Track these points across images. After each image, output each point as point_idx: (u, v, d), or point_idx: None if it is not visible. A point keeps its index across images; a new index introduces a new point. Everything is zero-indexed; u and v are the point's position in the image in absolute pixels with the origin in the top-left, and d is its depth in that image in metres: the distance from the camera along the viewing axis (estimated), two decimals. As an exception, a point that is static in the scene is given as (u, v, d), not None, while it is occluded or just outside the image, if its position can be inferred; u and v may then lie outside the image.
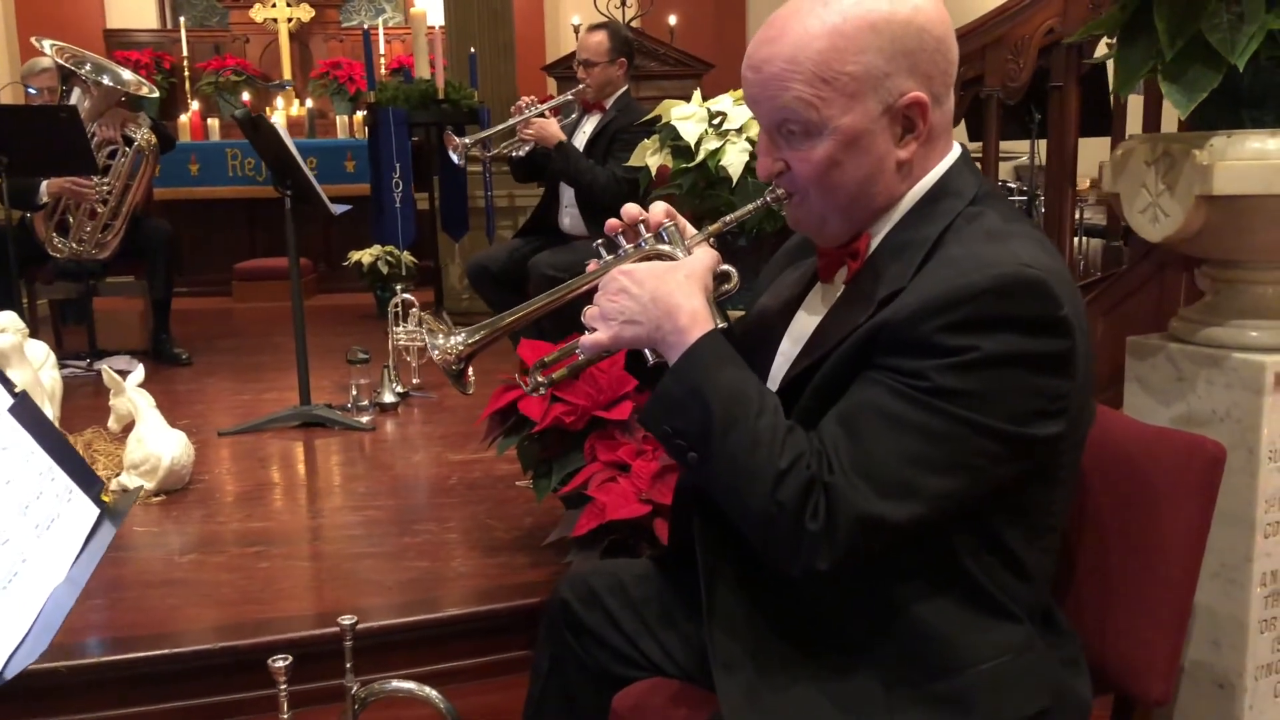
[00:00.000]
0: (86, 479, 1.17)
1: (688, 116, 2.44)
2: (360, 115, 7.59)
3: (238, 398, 4.17)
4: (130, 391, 2.93)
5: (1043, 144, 4.36)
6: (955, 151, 1.21)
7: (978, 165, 1.30)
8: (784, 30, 1.14)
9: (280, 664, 1.47)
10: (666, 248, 1.27)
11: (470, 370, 1.30)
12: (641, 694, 1.36)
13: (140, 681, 2.02)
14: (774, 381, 1.25)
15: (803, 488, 1.06)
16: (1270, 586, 1.67)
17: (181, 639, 2.08)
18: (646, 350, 1.21)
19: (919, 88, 1.14)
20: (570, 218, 4.09)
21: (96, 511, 1.16)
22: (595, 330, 1.21)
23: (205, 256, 7.13)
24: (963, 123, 3.42)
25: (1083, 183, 3.98)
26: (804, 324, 1.27)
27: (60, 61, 4.42)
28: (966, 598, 1.15)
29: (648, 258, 1.26)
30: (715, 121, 2.43)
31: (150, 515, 2.79)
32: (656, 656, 1.39)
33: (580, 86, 4.03)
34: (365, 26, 6.25)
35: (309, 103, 8.38)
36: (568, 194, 4.06)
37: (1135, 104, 2.37)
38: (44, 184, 4.43)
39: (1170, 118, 2.22)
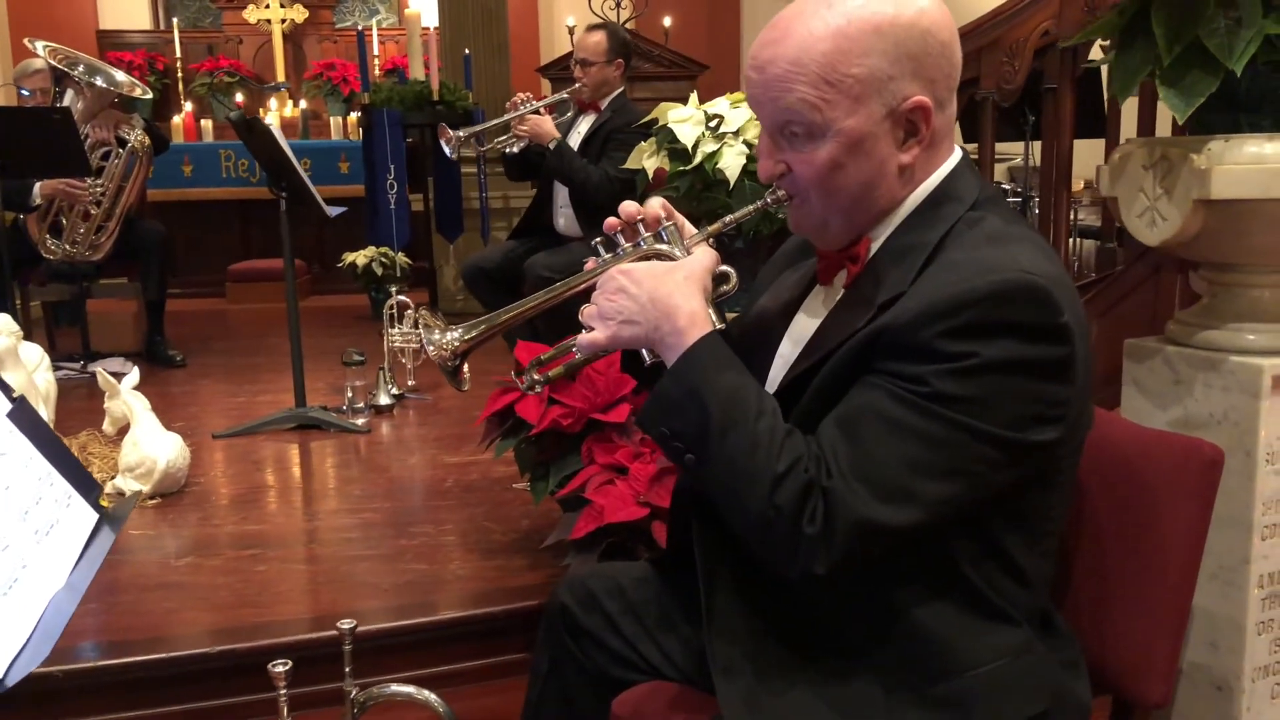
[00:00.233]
0: (85, 484, 1.16)
1: (685, 119, 2.44)
2: (354, 116, 7.60)
3: (232, 400, 4.15)
4: (125, 394, 2.92)
5: (1037, 146, 4.38)
6: (956, 155, 1.21)
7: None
8: (788, 31, 1.14)
9: (280, 669, 1.47)
10: (665, 247, 1.26)
11: (466, 367, 1.29)
12: (640, 697, 1.36)
13: (137, 685, 2.00)
14: (772, 383, 1.25)
15: (800, 491, 1.06)
16: (1268, 588, 1.68)
17: (178, 643, 2.07)
18: (644, 350, 1.21)
19: (923, 92, 1.13)
20: (565, 218, 4.09)
21: (95, 516, 1.16)
22: (593, 329, 1.21)
23: (199, 258, 7.10)
24: (957, 124, 3.43)
25: (1077, 184, 3.99)
26: (803, 326, 1.27)
27: (53, 63, 4.40)
28: (965, 601, 1.15)
29: (646, 257, 1.26)
30: (712, 124, 2.43)
31: (146, 518, 2.77)
32: (655, 659, 1.39)
33: (576, 85, 4.03)
34: (359, 27, 6.24)
35: (303, 104, 8.38)
36: (562, 194, 4.06)
37: (1129, 106, 2.38)
38: (37, 186, 4.41)
39: (1165, 120, 2.23)
